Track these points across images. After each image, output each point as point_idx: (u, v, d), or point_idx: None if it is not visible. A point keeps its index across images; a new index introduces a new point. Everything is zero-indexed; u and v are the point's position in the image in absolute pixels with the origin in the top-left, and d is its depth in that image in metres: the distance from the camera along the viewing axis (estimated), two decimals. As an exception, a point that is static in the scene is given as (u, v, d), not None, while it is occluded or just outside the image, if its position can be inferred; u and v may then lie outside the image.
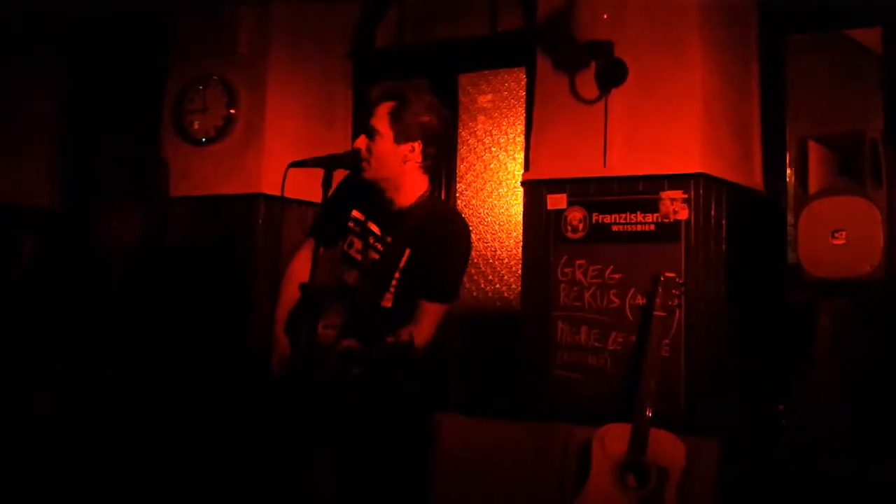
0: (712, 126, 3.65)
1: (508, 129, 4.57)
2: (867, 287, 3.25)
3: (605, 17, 3.57)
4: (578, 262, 3.73)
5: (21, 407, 4.43)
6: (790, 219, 3.63)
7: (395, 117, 2.78)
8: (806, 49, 4.12)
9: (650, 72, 3.64)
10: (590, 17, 3.59)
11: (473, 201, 4.62)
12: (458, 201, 4.59)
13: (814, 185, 3.42)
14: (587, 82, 3.74)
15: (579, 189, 3.76)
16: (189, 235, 4.49)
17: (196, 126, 4.51)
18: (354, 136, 3.28)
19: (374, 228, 2.89)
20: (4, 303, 4.61)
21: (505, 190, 4.55)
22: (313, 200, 2.84)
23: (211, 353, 4.29)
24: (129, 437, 4.33)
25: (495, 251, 4.54)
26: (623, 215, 3.65)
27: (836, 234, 3.24)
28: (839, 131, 3.49)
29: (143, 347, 4.46)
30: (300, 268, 2.93)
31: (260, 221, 4.34)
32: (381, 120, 2.80)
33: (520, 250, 4.05)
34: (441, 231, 2.82)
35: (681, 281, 3.45)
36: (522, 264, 3.98)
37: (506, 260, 4.51)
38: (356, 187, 2.91)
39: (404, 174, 2.83)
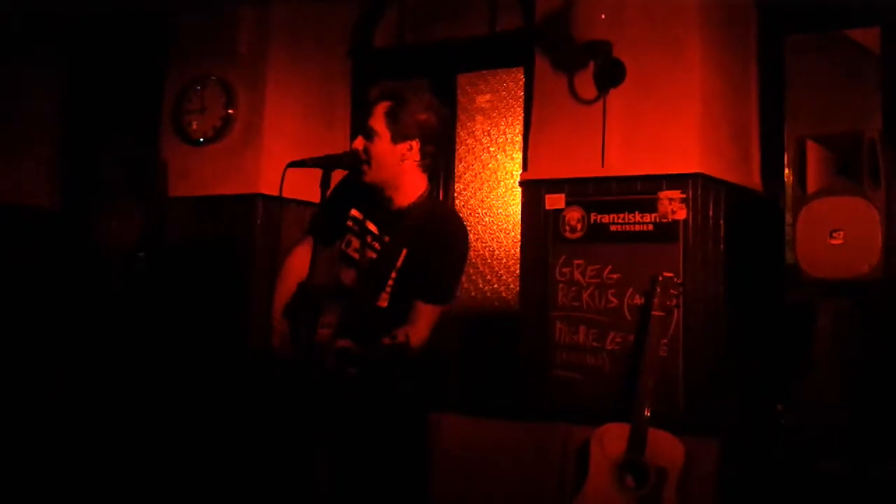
0: (711, 126, 3.65)
1: (507, 129, 4.56)
2: (866, 287, 3.25)
3: (604, 17, 3.57)
4: (577, 261, 3.73)
5: (21, 407, 4.43)
6: (788, 219, 3.61)
7: (392, 117, 2.78)
8: (805, 49, 4.11)
9: (649, 72, 3.64)
10: (588, 17, 3.59)
11: (472, 201, 4.61)
12: (457, 201, 4.59)
13: (812, 185, 3.43)
14: (585, 82, 3.74)
15: (577, 189, 3.76)
16: (188, 235, 4.49)
17: (194, 126, 4.51)
18: (353, 136, 3.27)
19: (373, 228, 2.88)
20: (4, 303, 4.61)
21: (503, 190, 4.53)
22: (312, 200, 2.83)
23: (210, 352, 4.29)
24: (128, 436, 4.33)
25: (493, 251, 4.53)
26: (621, 215, 3.65)
27: (834, 234, 3.24)
28: (838, 131, 3.49)
29: (142, 347, 4.46)
30: (298, 263, 2.93)
31: (258, 221, 4.34)
32: (378, 120, 2.79)
33: (518, 250, 4.05)
34: (439, 232, 2.81)
35: (679, 281, 3.45)
36: (521, 264, 3.98)
37: (504, 260, 4.50)
38: (356, 186, 2.90)
39: (403, 173, 2.83)
